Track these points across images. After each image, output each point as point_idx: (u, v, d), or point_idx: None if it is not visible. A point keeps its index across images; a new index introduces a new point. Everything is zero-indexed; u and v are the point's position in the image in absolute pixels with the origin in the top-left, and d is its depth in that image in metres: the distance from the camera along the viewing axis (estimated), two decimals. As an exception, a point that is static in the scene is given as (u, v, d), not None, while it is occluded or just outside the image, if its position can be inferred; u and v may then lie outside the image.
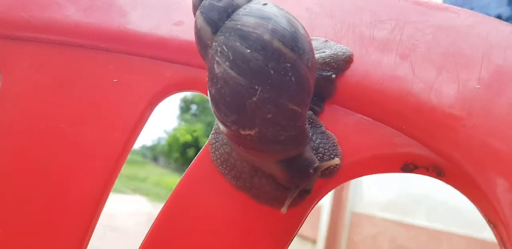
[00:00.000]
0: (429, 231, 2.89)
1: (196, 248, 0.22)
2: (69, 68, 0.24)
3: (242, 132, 0.19)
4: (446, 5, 0.23)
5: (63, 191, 0.23)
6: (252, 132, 0.18)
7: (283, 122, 0.18)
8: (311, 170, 0.20)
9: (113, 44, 0.24)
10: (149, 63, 0.24)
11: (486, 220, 0.18)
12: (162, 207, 0.23)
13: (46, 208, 0.23)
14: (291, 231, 0.21)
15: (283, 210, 0.20)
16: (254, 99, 0.18)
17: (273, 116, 0.18)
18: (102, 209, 0.24)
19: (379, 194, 3.37)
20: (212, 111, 0.20)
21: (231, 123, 0.19)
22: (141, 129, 0.24)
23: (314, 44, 0.23)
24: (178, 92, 0.25)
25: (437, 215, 2.89)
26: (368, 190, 3.51)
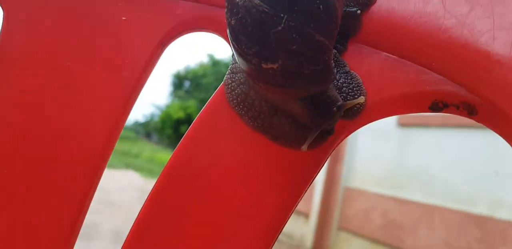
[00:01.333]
0: (422, 205, 2.94)
1: (209, 194, 0.21)
2: (75, 6, 0.23)
3: (264, 66, 0.17)
4: None
5: (67, 134, 0.22)
6: (275, 65, 0.17)
7: (309, 53, 0.17)
8: (335, 109, 0.19)
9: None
10: (159, 0, 0.23)
11: None
12: (173, 153, 0.22)
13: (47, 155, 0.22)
14: (312, 173, 0.20)
15: (304, 147, 0.19)
16: (279, 28, 0.17)
17: (299, 47, 0.17)
18: (109, 156, 0.23)
19: (372, 169, 3.41)
20: (231, 46, 0.19)
21: (252, 56, 0.18)
22: (152, 69, 0.23)
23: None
24: (191, 31, 0.23)
25: (431, 190, 2.93)
26: (362, 165, 3.55)
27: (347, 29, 0.21)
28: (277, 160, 0.20)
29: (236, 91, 0.21)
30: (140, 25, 0.23)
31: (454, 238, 2.77)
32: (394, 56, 0.20)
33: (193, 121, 0.22)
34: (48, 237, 0.22)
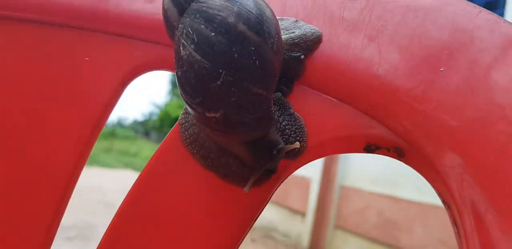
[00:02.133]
0: (417, 204, 2.95)
1: (164, 226, 0.22)
2: (39, 46, 0.24)
3: (208, 114, 0.19)
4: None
5: (35, 168, 0.24)
6: (217, 115, 0.19)
7: (247, 105, 0.19)
8: (275, 152, 0.20)
9: (85, 22, 0.24)
10: (120, 42, 0.24)
11: (441, 200, 0.19)
12: (132, 185, 0.23)
13: (19, 185, 0.24)
14: (256, 209, 0.21)
15: (245, 189, 0.20)
16: (218, 82, 0.18)
17: (237, 99, 0.18)
18: (74, 186, 0.25)
19: (368, 168, 3.42)
20: (179, 92, 0.20)
21: (196, 105, 0.19)
22: (112, 108, 0.24)
23: (284, 24, 0.23)
24: (150, 71, 0.25)
25: (426, 189, 2.93)
26: (357, 164, 3.56)
27: (292, 72, 0.22)
28: (225, 196, 0.22)
29: (188, 131, 0.23)
30: (101, 66, 0.24)
31: (449, 236, 2.78)
32: (335, 99, 0.22)
33: (152, 156, 0.23)
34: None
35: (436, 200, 2.66)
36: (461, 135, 0.18)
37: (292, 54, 0.22)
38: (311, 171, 3.83)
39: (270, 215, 4.55)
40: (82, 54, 0.24)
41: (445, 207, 0.19)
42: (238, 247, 0.22)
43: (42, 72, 0.24)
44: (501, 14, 2.74)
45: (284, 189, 4.35)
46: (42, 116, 0.24)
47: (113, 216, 0.24)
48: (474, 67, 0.19)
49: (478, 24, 0.20)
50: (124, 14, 0.24)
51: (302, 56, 0.22)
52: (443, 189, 0.18)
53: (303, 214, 4.13)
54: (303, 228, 4.11)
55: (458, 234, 0.18)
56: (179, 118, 0.23)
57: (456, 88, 0.19)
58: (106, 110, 0.24)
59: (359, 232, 3.56)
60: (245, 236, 0.22)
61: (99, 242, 0.23)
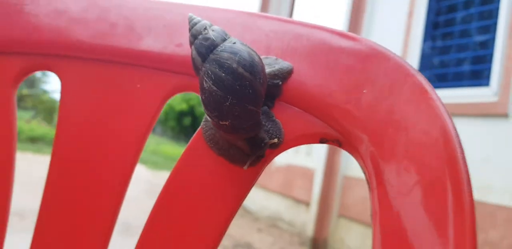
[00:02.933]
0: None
1: (191, 205, 0.35)
2: (110, 79, 0.37)
3: (221, 123, 0.31)
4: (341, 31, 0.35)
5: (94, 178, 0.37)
6: (226, 123, 0.31)
7: (245, 116, 0.31)
8: (263, 144, 0.33)
9: (140, 61, 0.37)
10: (162, 74, 0.37)
11: (364, 175, 0.31)
12: (169, 174, 0.36)
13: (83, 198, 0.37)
14: (252, 180, 0.34)
15: (245, 167, 0.33)
16: (227, 103, 0.31)
17: (239, 113, 0.31)
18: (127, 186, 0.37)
19: (368, 159, 3.49)
20: (205, 110, 0.32)
21: (214, 117, 0.31)
22: (157, 118, 0.37)
23: (268, 61, 0.36)
24: (181, 92, 0.37)
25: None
26: (358, 155, 3.63)
27: (274, 93, 0.35)
28: (232, 173, 0.34)
29: (207, 133, 0.35)
30: (149, 90, 0.37)
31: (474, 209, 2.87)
32: (302, 110, 0.34)
33: (184, 150, 0.36)
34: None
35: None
36: (365, 122, 0.30)
37: (274, 81, 0.35)
38: (315, 162, 3.95)
39: (275, 205, 4.69)
40: (136, 82, 0.37)
41: (366, 179, 0.31)
42: (238, 208, 0.34)
43: (112, 98, 0.37)
44: (496, 9, 2.83)
45: (289, 180, 4.47)
46: (112, 127, 0.36)
47: (153, 204, 0.36)
48: (378, 92, 0.31)
49: (380, 68, 0.32)
50: (164, 55, 0.36)
51: (280, 83, 0.35)
52: (361, 163, 0.31)
53: (307, 204, 4.25)
54: (307, 217, 4.23)
55: (369, 190, 0.30)
56: (201, 124, 0.36)
57: (370, 102, 0.31)
58: (153, 120, 0.37)
59: (362, 220, 3.68)
60: (243, 200, 0.35)
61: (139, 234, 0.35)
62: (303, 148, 4.18)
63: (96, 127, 0.37)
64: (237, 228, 4.20)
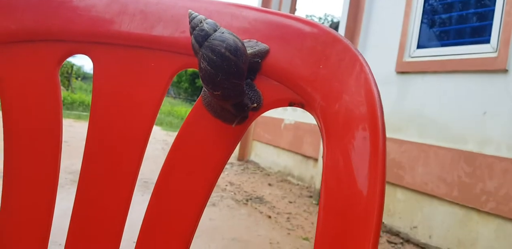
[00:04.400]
0: (419, 145, 3.17)
1: (192, 157, 0.47)
2: (127, 60, 0.48)
3: (214, 93, 0.43)
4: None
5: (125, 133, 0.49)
6: (219, 93, 0.43)
7: (232, 88, 0.43)
8: (246, 108, 0.44)
9: (152, 45, 0.48)
10: (170, 54, 0.48)
11: (321, 135, 0.43)
12: (178, 131, 0.48)
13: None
14: (240, 135, 0.46)
15: (233, 125, 0.45)
16: (218, 79, 0.42)
17: (227, 85, 0.42)
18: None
19: (372, 115, 3.59)
20: (202, 83, 0.44)
21: (209, 89, 0.43)
22: (166, 90, 0.48)
23: (250, 44, 0.46)
24: (185, 69, 0.49)
25: (426, 131, 3.16)
26: (363, 112, 3.73)
27: (255, 69, 0.46)
28: (224, 130, 0.46)
29: (206, 100, 0.47)
30: (161, 68, 0.48)
31: (446, 173, 3.02)
32: (276, 82, 0.45)
33: (188, 114, 0.48)
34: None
35: (436, 142, 2.90)
36: (320, 88, 0.42)
37: (255, 59, 0.46)
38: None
39: (285, 161, 4.87)
40: (150, 62, 0.48)
41: (319, 130, 0.43)
42: (226, 163, 0.46)
43: (131, 77, 0.48)
44: (493, 4, 2.83)
45: (298, 138, 4.61)
46: (133, 99, 0.48)
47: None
48: (330, 67, 0.42)
49: (333, 46, 0.43)
50: (172, 39, 0.48)
51: (260, 61, 0.46)
52: (316, 119, 0.43)
53: (315, 159, 4.41)
54: (315, 172, 4.41)
55: (321, 137, 0.42)
56: (201, 93, 0.47)
57: (324, 74, 0.43)
58: (164, 91, 0.48)
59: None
60: (234, 150, 0.47)
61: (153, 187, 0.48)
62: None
63: (122, 96, 0.49)
64: (249, 183, 4.41)
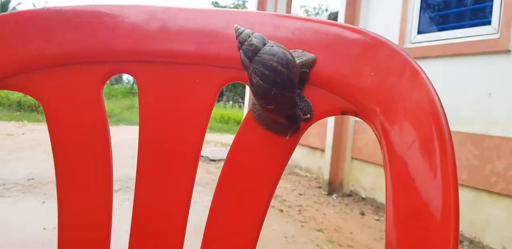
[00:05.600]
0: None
1: (245, 168, 0.47)
2: (172, 76, 0.48)
3: (268, 107, 0.43)
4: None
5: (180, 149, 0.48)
6: (272, 107, 0.42)
7: (285, 101, 0.42)
8: (298, 119, 0.44)
9: (194, 60, 0.48)
10: (214, 69, 0.48)
11: (377, 137, 0.43)
12: (230, 146, 0.48)
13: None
14: (293, 147, 0.46)
15: (287, 137, 0.45)
16: (272, 93, 0.42)
17: (281, 99, 0.42)
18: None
19: (376, 103, 3.60)
20: (253, 98, 0.44)
21: (262, 103, 0.43)
22: (215, 103, 0.48)
23: (296, 54, 0.46)
24: (230, 82, 0.48)
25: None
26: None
27: (303, 79, 0.46)
28: (277, 142, 0.46)
29: (256, 113, 0.47)
30: (206, 83, 0.48)
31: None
32: (326, 91, 0.45)
33: (239, 127, 0.48)
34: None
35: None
36: (374, 96, 0.42)
37: (302, 70, 0.45)
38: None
39: (292, 155, 4.87)
40: (195, 77, 0.48)
41: (378, 139, 0.43)
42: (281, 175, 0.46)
43: (177, 89, 0.48)
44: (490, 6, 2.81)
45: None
46: (185, 115, 0.48)
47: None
48: (382, 74, 0.42)
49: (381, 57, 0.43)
50: (215, 54, 0.47)
51: (307, 70, 0.46)
52: (373, 128, 0.42)
53: (322, 150, 4.42)
54: (323, 163, 4.42)
55: (381, 148, 0.42)
56: (250, 107, 0.47)
57: (376, 81, 0.42)
58: (212, 105, 0.48)
59: (373, 160, 3.85)
60: (287, 162, 0.47)
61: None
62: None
63: (169, 113, 0.48)
64: (256, 178, 4.41)
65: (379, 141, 0.42)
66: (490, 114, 2.80)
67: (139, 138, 0.49)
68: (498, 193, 2.73)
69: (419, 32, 3.45)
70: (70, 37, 0.47)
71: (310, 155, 4.69)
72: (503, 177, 2.68)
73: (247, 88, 6.32)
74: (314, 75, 0.45)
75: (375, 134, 0.43)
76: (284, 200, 3.81)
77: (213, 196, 0.48)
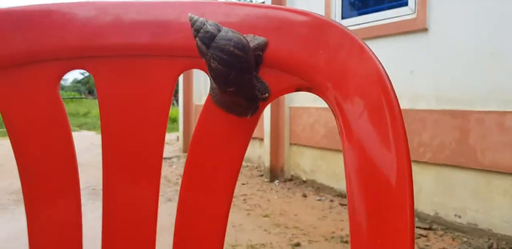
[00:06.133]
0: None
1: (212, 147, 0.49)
2: (130, 68, 0.49)
3: (228, 89, 0.45)
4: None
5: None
6: (232, 89, 0.45)
7: (245, 83, 0.45)
8: (257, 99, 0.47)
9: (150, 51, 0.49)
10: (171, 59, 0.49)
11: (334, 115, 0.47)
12: (194, 131, 0.50)
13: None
14: (254, 125, 0.49)
15: (249, 116, 0.47)
16: (231, 76, 0.44)
17: (240, 81, 0.44)
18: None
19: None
20: (212, 81, 0.46)
21: (222, 86, 0.45)
22: (173, 92, 0.50)
23: (249, 38, 0.48)
24: (187, 70, 0.50)
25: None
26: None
27: (258, 62, 0.48)
28: (239, 122, 0.49)
29: (215, 98, 0.49)
30: (164, 72, 0.49)
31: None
32: (280, 71, 0.48)
33: (201, 111, 0.49)
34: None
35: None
36: (325, 72, 0.45)
37: (256, 53, 0.48)
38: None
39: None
40: (153, 67, 0.49)
41: (332, 112, 0.46)
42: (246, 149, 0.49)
43: (136, 80, 0.49)
44: None
45: (239, 119, 4.63)
46: (141, 104, 0.49)
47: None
48: (331, 51, 0.46)
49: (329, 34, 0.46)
50: (170, 44, 0.49)
51: (261, 53, 0.48)
52: (327, 101, 0.46)
53: (261, 139, 4.49)
54: (263, 151, 4.49)
55: (336, 119, 0.45)
56: (208, 93, 0.49)
57: (326, 58, 0.46)
58: (171, 92, 0.49)
59: (311, 144, 3.97)
60: (250, 140, 0.49)
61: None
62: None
63: (129, 106, 0.49)
64: (198, 172, 4.40)
65: (334, 113, 0.45)
66: (413, 90, 2.98)
67: (102, 137, 0.49)
68: (426, 162, 2.93)
69: (343, 17, 3.59)
70: (21, 37, 0.47)
71: (249, 145, 4.74)
72: (430, 147, 2.88)
73: (180, 86, 6.31)
74: (268, 57, 0.48)
75: (329, 106, 0.46)
76: (229, 191, 3.84)
77: (181, 184, 0.50)
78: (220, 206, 0.49)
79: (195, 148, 0.49)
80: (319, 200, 3.60)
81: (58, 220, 0.49)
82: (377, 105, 0.42)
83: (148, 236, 0.50)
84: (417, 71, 2.96)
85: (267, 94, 0.47)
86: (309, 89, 0.48)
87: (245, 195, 3.77)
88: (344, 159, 0.43)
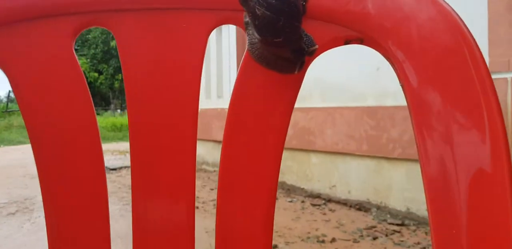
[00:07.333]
0: (324, 109, 3.32)
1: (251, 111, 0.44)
2: (155, 24, 0.43)
3: (276, 40, 0.40)
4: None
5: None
6: (281, 39, 0.40)
7: (293, 31, 0.40)
8: (304, 52, 0.42)
9: (178, 4, 0.43)
10: (203, 12, 0.44)
11: (392, 65, 0.43)
12: (231, 95, 0.44)
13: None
14: (299, 84, 0.44)
15: (296, 71, 0.43)
16: (280, 23, 0.39)
17: (289, 29, 0.40)
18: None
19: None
20: (257, 33, 0.41)
21: (268, 36, 0.40)
22: (204, 52, 0.44)
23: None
24: (221, 25, 0.45)
25: (329, 95, 3.31)
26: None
27: (302, 11, 0.44)
28: (284, 79, 0.44)
29: (256, 53, 0.44)
30: (194, 27, 0.44)
31: (353, 131, 3.21)
32: (325, 22, 0.44)
33: (239, 69, 0.44)
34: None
35: (339, 103, 3.04)
36: (383, 23, 0.41)
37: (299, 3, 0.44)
38: (226, 102, 4.07)
39: (198, 151, 4.81)
40: (181, 23, 0.43)
41: (393, 68, 0.42)
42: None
43: (163, 38, 0.43)
44: None
45: (205, 124, 4.57)
46: (169, 65, 0.43)
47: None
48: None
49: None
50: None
51: (304, 3, 0.44)
52: (383, 53, 0.42)
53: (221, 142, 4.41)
54: (230, 155, 4.39)
55: (396, 72, 0.41)
56: (246, 49, 0.44)
57: (376, 4, 0.42)
58: (203, 52, 0.44)
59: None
60: (295, 100, 0.45)
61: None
62: (213, 92, 4.30)
63: (157, 66, 0.44)
64: (164, 181, 4.30)
65: (392, 66, 0.42)
66: (380, 87, 3.01)
67: (127, 102, 0.43)
68: (396, 158, 2.96)
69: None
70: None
71: (215, 149, 4.66)
72: (399, 142, 2.91)
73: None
74: (311, 7, 0.44)
75: (387, 59, 0.43)
76: (197, 197, 3.75)
77: (221, 151, 0.44)
78: (267, 179, 0.44)
79: (235, 111, 0.44)
80: (291, 201, 3.57)
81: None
82: (452, 50, 0.39)
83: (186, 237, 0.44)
84: (383, 68, 3.00)
85: (316, 46, 0.43)
86: (360, 41, 0.44)
87: (215, 200, 3.68)
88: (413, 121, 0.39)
